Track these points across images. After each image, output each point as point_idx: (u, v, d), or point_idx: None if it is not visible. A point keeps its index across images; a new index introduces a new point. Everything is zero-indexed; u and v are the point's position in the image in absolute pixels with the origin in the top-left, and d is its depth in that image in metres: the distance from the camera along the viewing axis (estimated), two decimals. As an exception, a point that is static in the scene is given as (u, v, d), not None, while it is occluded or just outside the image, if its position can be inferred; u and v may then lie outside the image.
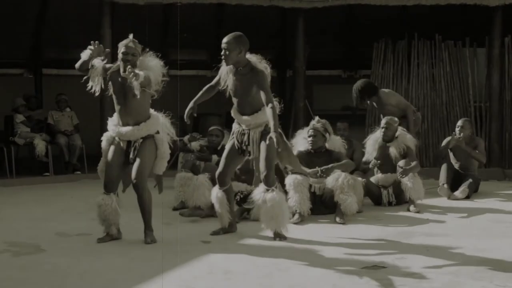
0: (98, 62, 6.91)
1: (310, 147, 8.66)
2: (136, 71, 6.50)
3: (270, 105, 6.59)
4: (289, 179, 8.20)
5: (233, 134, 7.07)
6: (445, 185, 9.90)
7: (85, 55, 6.86)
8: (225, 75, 6.90)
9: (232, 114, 7.05)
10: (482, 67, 13.45)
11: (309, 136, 8.71)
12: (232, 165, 7.14)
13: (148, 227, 6.96)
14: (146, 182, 6.90)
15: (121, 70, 6.78)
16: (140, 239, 6.92)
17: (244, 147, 6.95)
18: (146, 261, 6.13)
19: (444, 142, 10.52)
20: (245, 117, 6.88)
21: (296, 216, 7.98)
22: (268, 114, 6.60)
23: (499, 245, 6.70)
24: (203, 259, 6.16)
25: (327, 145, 8.75)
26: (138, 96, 6.62)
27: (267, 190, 6.79)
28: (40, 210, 8.99)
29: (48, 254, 6.43)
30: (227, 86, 6.92)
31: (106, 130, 7.09)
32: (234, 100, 6.96)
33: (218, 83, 7.05)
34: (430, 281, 5.38)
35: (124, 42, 6.86)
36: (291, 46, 13.98)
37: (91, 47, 6.81)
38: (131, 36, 6.91)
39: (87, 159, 12.53)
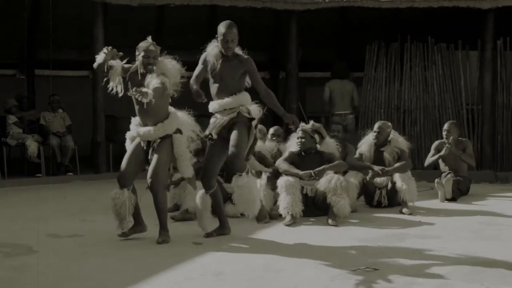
0: (116, 63, 6.94)
1: (299, 148, 8.67)
2: (144, 89, 6.53)
3: (268, 92, 6.93)
4: (281, 181, 8.20)
5: (209, 135, 7.00)
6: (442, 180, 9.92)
7: (100, 58, 6.88)
8: (214, 62, 6.90)
9: (210, 106, 7.03)
10: (474, 70, 13.48)
11: (298, 138, 8.72)
12: (215, 166, 7.09)
13: (163, 227, 6.99)
14: (162, 183, 6.95)
15: (140, 70, 6.84)
16: (133, 239, 6.91)
17: (225, 135, 6.93)
18: (139, 262, 6.13)
19: (432, 149, 10.54)
20: (224, 100, 6.90)
21: (288, 217, 7.98)
22: (271, 100, 6.95)
23: (490, 247, 6.71)
24: (195, 261, 6.16)
25: (318, 146, 8.76)
26: (153, 102, 6.64)
27: (239, 175, 6.89)
28: (32, 211, 8.97)
29: (39, 256, 6.41)
30: (211, 71, 6.96)
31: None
32: (214, 86, 6.96)
33: (203, 71, 7.05)
34: (422, 283, 5.38)
35: (144, 45, 6.88)
36: (284, 48, 13.99)
37: (105, 50, 6.84)
38: (149, 38, 6.96)
39: (79, 160, 12.52)
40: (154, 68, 6.81)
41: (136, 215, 7.10)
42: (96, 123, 12.57)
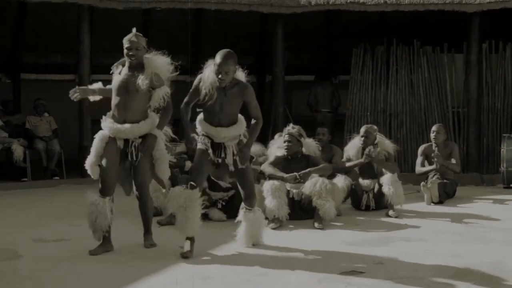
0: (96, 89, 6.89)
1: (286, 152, 8.67)
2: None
3: (257, 121, 6.61)
4: (267, 185, 8.20)
5: (205, 147, 6.65)
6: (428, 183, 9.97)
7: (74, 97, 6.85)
8: (209, 90, 6.45)
9: (201, 127, 6.66)
10: (460, 73, 13.53)
11: (284, 142, 8.73)
12: (204, 177, 6.80)
13: (149, 231, 6.97)
14: (148, 190, 6.91)
15: (127, 64, 6.73)
16: (120, 244, 6.89)
17: (220, 160, 6.61)
18: (125, 266, 6.12)
19: (419, 154, 10.58)
20: (221, 129, 6.55)
21: (275, 221, 7.99)
22: (251, 127, 6.63)
23: (476, 250, 6.74)
24: (182, 265, 6.16)
25: (304, 150, 8.77)
26: (143, 87, 6.56)
27: (249, 210, 6.79)
28: (18, 216, 8.93)
29: (25, 260, 6.39)
30: (204, 99, 6.53)
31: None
32: (210, 113, 6.56)
33: (196, 98, 6.66)
34: (407, 286, 5.40)
35: (127, 37, 6.74)
36: (270, 51, 14.01)
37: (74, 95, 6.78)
38: (134, 29, 6.83)
39: (66, 164, 12.48)
40: (137, 59, 6.67)
41: (109, 231, 6.78)
42: (82, 127, 12.53)
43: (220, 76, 6.34)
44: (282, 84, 13.70)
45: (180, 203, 6.49)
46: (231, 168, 6.61)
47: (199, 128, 6.67)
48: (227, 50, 6.47)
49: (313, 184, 8.21)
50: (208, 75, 6.47)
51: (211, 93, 6.44)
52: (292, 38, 14.37)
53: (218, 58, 6.37)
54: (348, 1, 12.78)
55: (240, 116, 6.67)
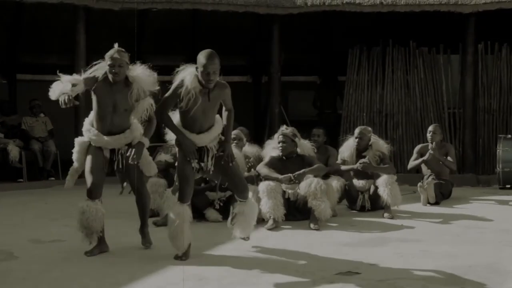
0: (76, 80, 6.60)
1: (281, 153, 8.68)
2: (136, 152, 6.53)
3: (230, 112, 6.47)
4: (262, 186, 8.20)
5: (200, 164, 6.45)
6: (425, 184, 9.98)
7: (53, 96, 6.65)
8: (192, 95, 6.18)
9: (194, 139, 6.36)
10: (456, 74, 13.57)
11: (279, 142, 8.73)
12: (191, 186, 6.50)
13: (144, 224, 6.97)
14: (143, 178, 6.93)
15: (110, 78, 6.59)
16: (115, 245, 6.88)
17: (202, 164, 6.45)
18: (121, 267, 6.11)
19: (414, 153, 10.59)
20: (202, 135, 6.37)
21: (270, 222, 7.99)
22: (226, 119, 6.46)
23: (471, 251, 6.74)
24: (177, 265, 6.15)
25: (298, 150, 8.78)
26: (131, 107, 6.58)
27: (243, 202, 6.65)
28: (14, 217, 8.93)
29: (20, 261, 6.38)
30: (187, 106, 6.24)
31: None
32: (191, 120, 6.32)
33: (173, 104, 6.40)
34: (403, 286, 5.40)
35: (110, 53, 6.60)
36: (266, 52, 14.01)
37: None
38: (116, 45, 6.68)
39: (61, 165, 12.47)
40: (120, 77, 6.58)
41: (103, 232, 6.74)
42: (78, 127, 12.51)
43: (210, 77, 6.12)
44: (278, 85, 13.70)
45: (172, 217, 6.42)
46: (211, 169, 6.48)
47: (193, 141, 6.39)
48: (209, 50, 6.24)
49: (308, 185, 8.21)
50: (191, 80, 6.19)
51: (195, 97, 6.19)
52: (288, 39, 14.37)
53: (203, 59, 6.13)
54: (344, 2, 12.81)
55: (217, 116, 6.52)
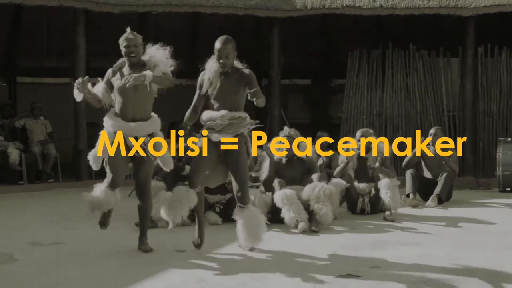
0: (96, 88, 6.79)
1: (286, 157, 8.69)
2: (138, 75, 6.38)
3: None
4: (278, 196, 8.17)
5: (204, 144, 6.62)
6: (410, 195, 10.01)
7: (76, 95, 6.76)
8: (213, 80, 6.56)
9: (205, 116, 6.61)
10: (455, 77, 13.57)
11: (282, 143, 8.74)
12: (202, 174, 6.69)
13: (144, 234, 6.92)
14: (150, 186, 6.92)
15: (127, 64, 6.69)
16: (114, 248, 6.88)
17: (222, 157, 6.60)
18: (120, 270, 6.11)
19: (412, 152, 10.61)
20: (222, 112, 6.51)
21: (301, 224, 7.91)
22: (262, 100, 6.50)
23: (471, 254, 6.74)
24: (177, 268, 6.15)
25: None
26: (149, 88, 6.54)
27: (242, 207, 6.65)
28: (14, 219, 8.93)
29: (20, 264, 6.38)
30: (209, 88, 6.59)
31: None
32: (215, 103, 6.58)
33: (203, 96, 6.68)
34: (403, 289, 5.42)
35: (124, 36, 6.70)
36: (266, 55, 14.01)
37: (77, 85, 6.64)
38: (128, 29, 6.77)
39: (61, 167, 12.47)
40: (137, 56, 6.66)
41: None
42: (78, 130, 12.53)
43: (221, 60, 6.47)
44: (278, 88, 13.71)
45: (177, 198, 6.62)
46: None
47: (204, 118, 6.62)
48: (225, 35, 6.62)
49: (312, 189, 8.21)
50: (211, 65, 6.60)
51: (215, 82, 6.54)
52: (288, 42, 14.37)
53: (217, 43, 6.53)
54: (344, 5, 12.82)
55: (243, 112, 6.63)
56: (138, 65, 6.68)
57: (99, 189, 6.70)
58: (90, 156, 6.77)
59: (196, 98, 6.74)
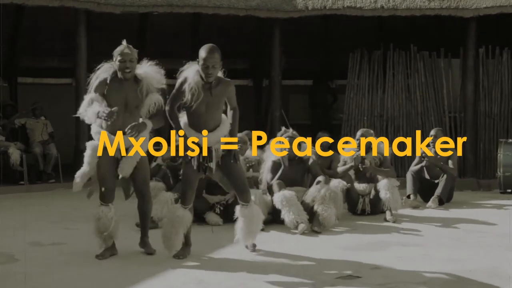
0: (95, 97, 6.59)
1: (288, 157, 8.69)
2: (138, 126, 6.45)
3: (235, 110, 6.47)
4: (277, 198, 8.17)
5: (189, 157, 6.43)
6: (411, 196, 10.01)
7: (90, 120, 6.54)
8: (195, 90, 6.25)
9: (186, 133, 6.40)
10: (456, 78, 13.54)
11: (282, 143, 8.74)
12: (193, 190, 6.60)
13: (145, 234, 6.90)
14: (149, 184, 6.92)
15: (120, 77, 6.57)
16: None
17: (206, 165, 6.43)
18: (121, 270, 6.11)
19: (416, 157, 10.58)
20: (208, 134, 6.36)
21: (301, 226, 7.90)
22: (232, 118, 6.46)
23: (472, 255, 6.74)
24: (177, 269, 6.15)
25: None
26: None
27: (245, 206, 6.64)
28: (14, 219, 8.92)
29: (21, 264, 6.38)
30: (191, 101, 6.30)
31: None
32: (195, 116, 6.36)
33: (180, 100, 6.40)
34: (404, 290, 5.42)
35: (119, 49, 6.60)
36: (267, 55, 14.01)
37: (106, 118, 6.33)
38: (124, 42, 6.68)
39: (62, 168, 12.47)
40: (132, 72, 6.59)
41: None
42: (79, 131, 12.52)
43: (208, 70, 6.20)
44: (279, 89, 13.69)
45: (169, 219, 6.53)
46: (214, 170, 6.47)
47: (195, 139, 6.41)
48: (210, 44, 6.33)
49: (317, 190, 8.22)
50: (193, 75, 6.28)
51: (198, 92, 6.25)
52: (289, 42, 14.37)
53: (203, 52, 6.21)
54: (345, 5, 12.80)
55: (223, 116, 6.55)
56: (131, 80, 6.63)
57: (97, 213, 6.60)
58: (78, 176, 6.75)
59: (173, 99, 6.41)
